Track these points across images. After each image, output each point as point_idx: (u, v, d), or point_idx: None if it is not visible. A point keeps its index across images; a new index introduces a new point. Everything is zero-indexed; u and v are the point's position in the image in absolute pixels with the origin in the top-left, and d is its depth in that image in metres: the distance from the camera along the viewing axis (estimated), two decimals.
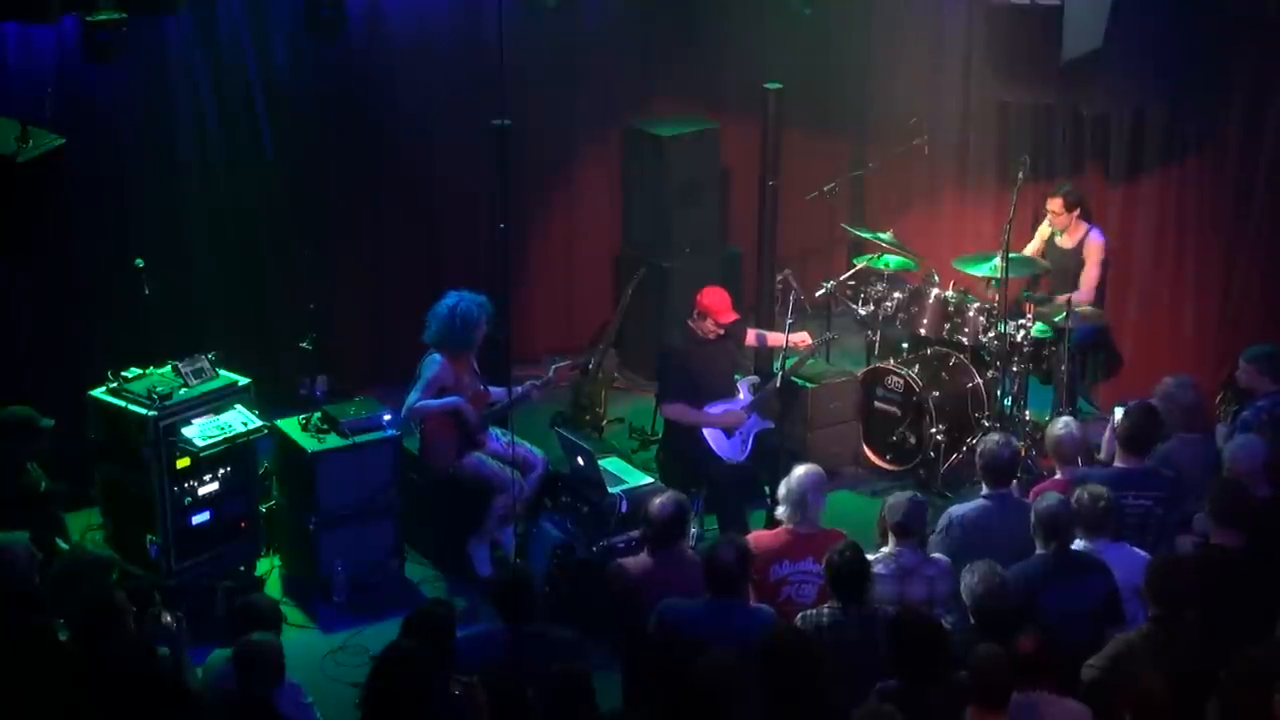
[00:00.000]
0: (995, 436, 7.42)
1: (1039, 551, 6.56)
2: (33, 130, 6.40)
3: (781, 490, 7.03)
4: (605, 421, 10.01)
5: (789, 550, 6.92)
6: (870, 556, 6.47)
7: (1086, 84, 9.64)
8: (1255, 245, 9.36)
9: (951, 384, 9.52)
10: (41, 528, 7.15)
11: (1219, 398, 8.85)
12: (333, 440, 8.24)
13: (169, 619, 6.26)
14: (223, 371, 8.08)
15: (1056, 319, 9.30)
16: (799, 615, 6.34)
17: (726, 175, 11.09)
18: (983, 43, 10.38)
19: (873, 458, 9.72)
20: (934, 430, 9.31)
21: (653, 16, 10.93)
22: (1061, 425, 7.64)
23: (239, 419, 7.94)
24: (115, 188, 9.21)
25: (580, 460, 8.30)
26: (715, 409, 8.65)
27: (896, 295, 9.86)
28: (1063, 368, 9.39)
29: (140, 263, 8.23)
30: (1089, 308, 9.55)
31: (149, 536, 7.82)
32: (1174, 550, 6.90)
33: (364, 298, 10.45)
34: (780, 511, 7.02)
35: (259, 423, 8.01)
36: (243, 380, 8.09)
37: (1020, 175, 9.48)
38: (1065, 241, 9.93)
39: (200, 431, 7.78)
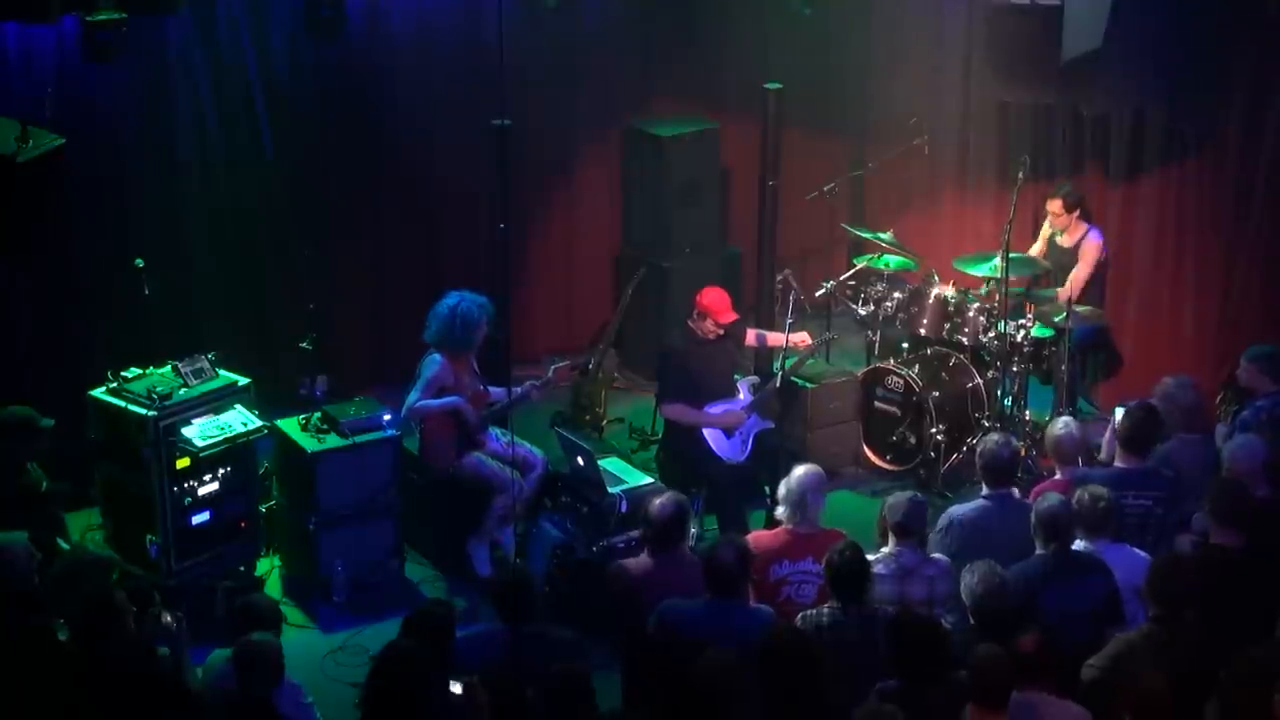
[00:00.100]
0: (995, 436, 7.41)
1: (1039, 552, 6.56)
2: (33, 130, 6.40)
3: (781, 490, 7.03)
4: (605, 421, 10.01)
5: (789, 550, 6.92)
6: (870, 556, 6.47)
7: (1086, 84, 9.66)
8: (1255, 245, 9.36)
9: (951, 384, 9.51)
10: (41, 528, 7.15)
11: (1219, 398, 8.85)
12: (333, 440, 8.24)
13: (169, 619, 6.26)
14: (223, 371, 8.08)
15: (1056, 319, 9.29)
16: (799, 615, 6.34)
17: (726, 175, 11.08)
18: (983, 43, 10.39)
19: (873, 458, 9.71)
20: (934, 430, 9.30)
21: (653, 16, 10.91)
22: (1061, 425, 7.64)
23: (239, 419, 7.94)
24: (115, 188, 9.21)
25: (580, 460, 8.30)
26: (715, 409, 8.65)
27: (896, 295, 9.85)
28: (1063, 368, 9.39)
29: (140, 263, 8.23)
30: (1087, 308, 9.54)
31: (149, 536, 7.82)
32: (1174, 550, 6.89)
33: (364, 298, 10.44)
34: (780, 511, 7.01)
35: (259, 423, 8.01)
36: (243, 380, 8.09)
37: (1020, 175, 9.47)
38: (1065, 241, 9.94)
39: (200, 431, 7.78)
